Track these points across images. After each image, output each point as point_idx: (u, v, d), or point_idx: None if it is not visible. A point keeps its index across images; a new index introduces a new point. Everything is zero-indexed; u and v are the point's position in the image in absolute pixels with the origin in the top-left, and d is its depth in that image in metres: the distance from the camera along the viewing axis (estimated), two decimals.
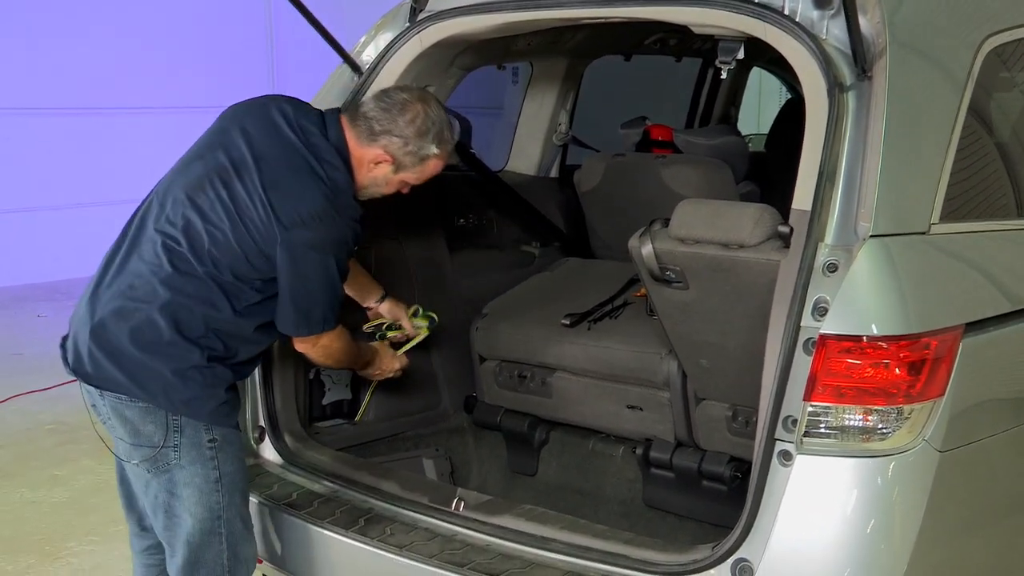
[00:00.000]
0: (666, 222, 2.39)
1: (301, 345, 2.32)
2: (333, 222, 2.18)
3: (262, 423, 2.64)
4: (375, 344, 2.67)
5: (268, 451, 2.64)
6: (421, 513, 2.36)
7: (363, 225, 2.26)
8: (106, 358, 2.17)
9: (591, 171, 3.29)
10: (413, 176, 2.32)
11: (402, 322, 2.75)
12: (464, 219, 3.29)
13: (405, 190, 2.38)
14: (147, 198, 2.31)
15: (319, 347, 2.32)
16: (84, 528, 3.75)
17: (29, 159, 7.96)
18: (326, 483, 2.53)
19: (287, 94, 2.37)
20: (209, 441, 2.21)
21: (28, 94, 7.92)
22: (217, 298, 2.18)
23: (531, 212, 3.46)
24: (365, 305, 2.75)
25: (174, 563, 2.29)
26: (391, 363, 2.65)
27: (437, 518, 2.33)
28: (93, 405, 2.26)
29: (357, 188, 2.29)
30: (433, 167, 2.33)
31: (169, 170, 2.33)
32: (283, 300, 2.21)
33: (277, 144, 2.23)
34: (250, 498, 2.46)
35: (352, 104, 2.45)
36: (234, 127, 2.26)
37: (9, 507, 4.03)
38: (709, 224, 2.31)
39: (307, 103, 2.39)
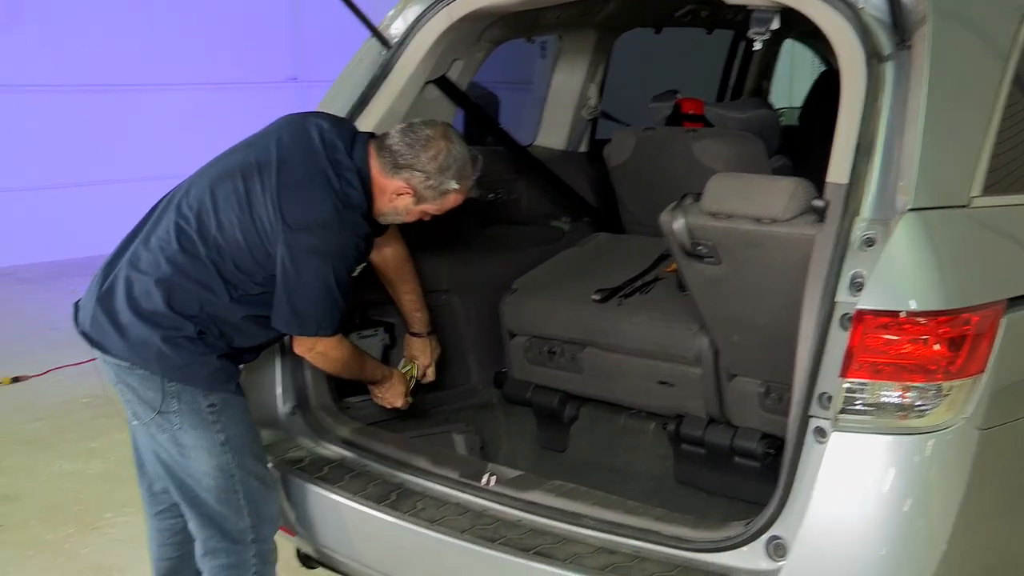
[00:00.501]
0: (698, 196, 2.36)
1: (299, 348, 2.38)
2: (337, 233, 2.23)
3: (294, 398, 2.66)
4: (395, 371, 2.71)
5: (299, 425, 2.66)
6: (452, 488, 2.37)
7: (368, 244, 2.31)
8: (109, 323, 2.26)
9: (621, 145, 3.25)
10: (434, 208, 2.39)
11: (400, 365, 2.76)
12: (493, 194, 3.27)
13: (426, 218, 2.44)
14: (181, 183, 2.39)
15: (315, 353, 2.38)
16: (120, 499, 3.81)
17: (62, 136, 8.04)
18: (357, 457, 2.54)
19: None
20: (209, 406, 2.26)
21: (61, 72, 7.98)
22: (215, 283, 2.25)
23: (561, 187, 3.43)
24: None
25: (194, 522, 2.34)
26: (393, 398, 2.68)
27: (468, 493, 2.34)
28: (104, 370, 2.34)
29: (378, 214, 2.36)
30: (453, 200, 2.39)
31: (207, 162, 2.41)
32: (279, 296, 2.27)
33: (302, 152, 2.29)
34: (279, 471, 2.48)
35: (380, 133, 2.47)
36: (273, 133, 2.36)
37: (48, 478, 4.11)
38: (742, 198, 2.28)
39: (348, 123, 2.47)
